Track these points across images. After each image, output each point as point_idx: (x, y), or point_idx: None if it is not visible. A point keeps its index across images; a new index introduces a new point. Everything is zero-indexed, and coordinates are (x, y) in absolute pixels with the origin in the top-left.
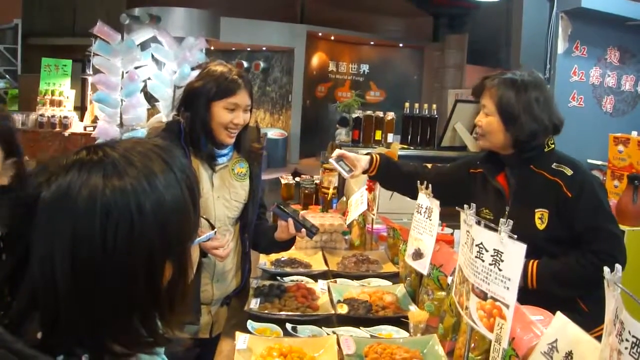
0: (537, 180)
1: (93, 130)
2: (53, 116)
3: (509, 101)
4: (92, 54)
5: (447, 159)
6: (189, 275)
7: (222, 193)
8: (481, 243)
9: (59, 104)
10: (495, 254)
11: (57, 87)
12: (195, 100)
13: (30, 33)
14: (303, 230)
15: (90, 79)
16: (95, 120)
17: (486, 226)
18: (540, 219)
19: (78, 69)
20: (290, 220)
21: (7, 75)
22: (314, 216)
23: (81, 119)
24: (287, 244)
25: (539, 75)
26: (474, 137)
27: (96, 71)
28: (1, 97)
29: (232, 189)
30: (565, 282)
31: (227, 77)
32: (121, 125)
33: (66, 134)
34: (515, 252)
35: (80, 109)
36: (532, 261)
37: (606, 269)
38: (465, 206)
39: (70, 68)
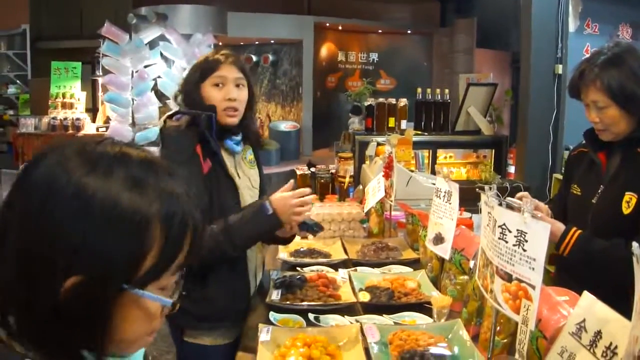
0: (638, 163)
1: (106, 131)
2: (65, 119)
3: (619, 83)
4: (101, 55)
5: (461, 143)
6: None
7: (246, 182)
8: (504, 224)
9: (71, 106)
10: (519, 234)
11: (68, 89)
12: (190, 93)
13: (39, 37)
14: (307, 232)
15: (100, 80)
16: (107, 120)
17: (508, 206)
18: (628, 202)
19: (88, 71)
20: None
21: (17, 81)
22: (331, 205)
23: (93, 120)
24: (287, 240)
25: (624, 41)
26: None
27: (106, 72)
28: (13, 102)
29: (251, 177)
30: (598, 263)
31: (209, 57)
32: (133, 124)
33: (79, 135)
34: (539, 232)
35: (92, 110)
36: (574, 229)
37: (635, 244)
38: (486, 187)
39: (80, 70)
